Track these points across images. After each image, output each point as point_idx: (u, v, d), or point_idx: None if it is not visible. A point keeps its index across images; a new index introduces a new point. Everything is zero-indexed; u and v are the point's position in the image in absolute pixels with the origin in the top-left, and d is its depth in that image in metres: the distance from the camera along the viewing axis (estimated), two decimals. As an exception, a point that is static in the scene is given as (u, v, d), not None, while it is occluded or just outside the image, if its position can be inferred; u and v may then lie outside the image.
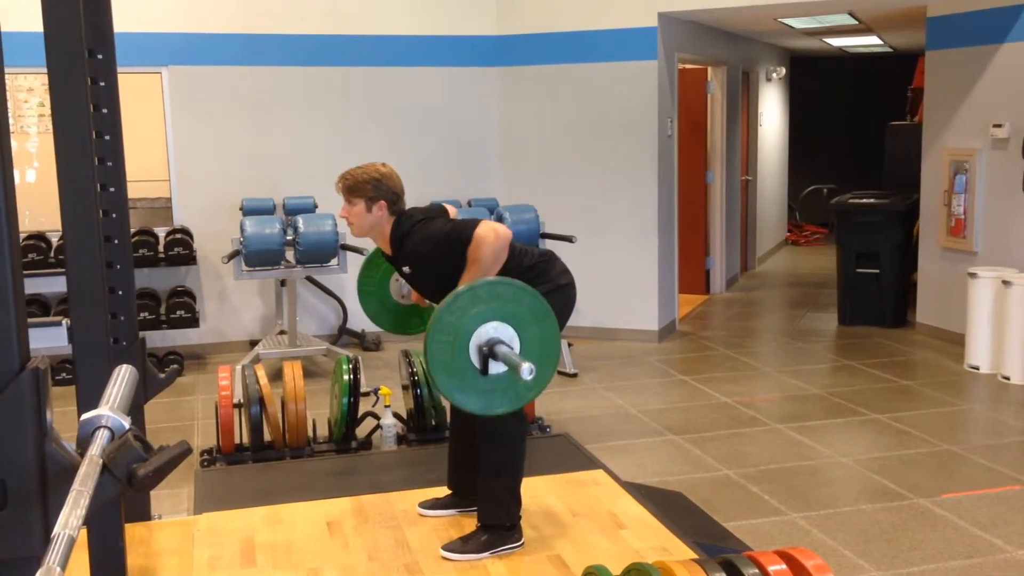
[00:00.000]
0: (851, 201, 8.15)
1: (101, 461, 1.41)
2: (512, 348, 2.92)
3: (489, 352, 2.90)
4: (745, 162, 10.64)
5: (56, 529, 1.19)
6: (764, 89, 11.37)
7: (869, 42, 11.46)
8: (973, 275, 6.63)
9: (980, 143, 6.98)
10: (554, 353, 3.03)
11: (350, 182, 3.40)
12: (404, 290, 3.93)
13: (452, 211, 3.67)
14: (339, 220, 6.43)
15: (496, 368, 2.91)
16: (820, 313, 8.68)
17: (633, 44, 7.45)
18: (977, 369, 6.59)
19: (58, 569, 1.10)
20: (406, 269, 3.47)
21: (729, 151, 9.68)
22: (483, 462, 3.38)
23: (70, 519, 1.21)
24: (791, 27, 9.39)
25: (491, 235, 3.22)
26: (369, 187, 3.38)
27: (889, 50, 12.45)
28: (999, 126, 6.76)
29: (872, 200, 8.08)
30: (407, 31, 7.70)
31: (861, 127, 13.71)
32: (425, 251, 3.35)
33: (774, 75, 11.70)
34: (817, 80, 13.92)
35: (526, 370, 2.75)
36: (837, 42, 11.40)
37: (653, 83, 7.43)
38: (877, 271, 7.92)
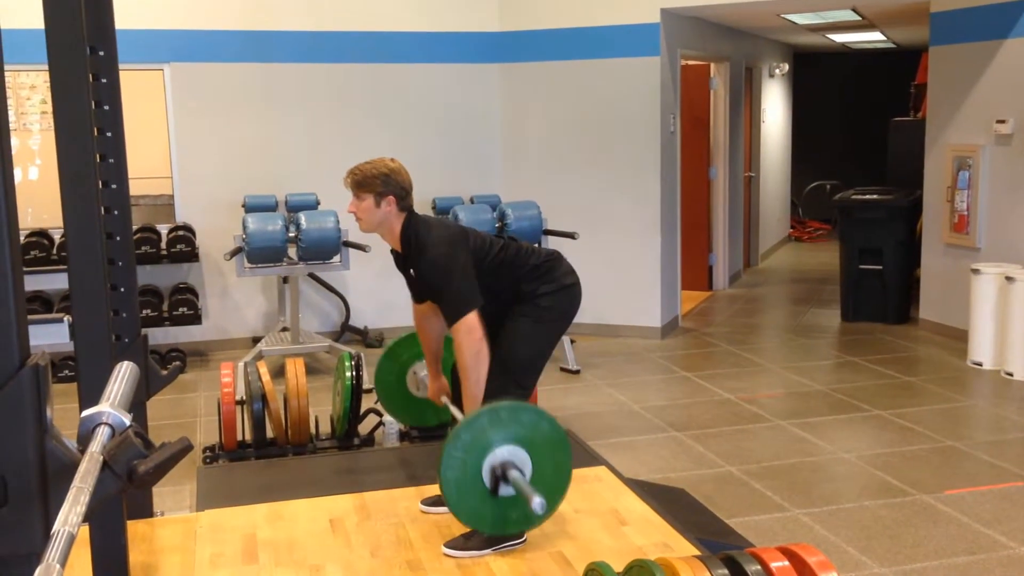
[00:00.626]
0: (854, 197, 8.13)
1: (101, 458, 1.40)
2: (524, 473, 2.97)
3: (502, 475, 2.95)
4: (748, 158, 10.62)
5: (56, 526, 1.18)
6: (767, 85, 11.35)
7: (872, 38, 11.44)
8: (976, 271, 6.62)
9: (984, 139, 6.96)
10: (565, 481, 3.09)
11: (359, 177, 3.40)
12: (420, 379, 3.96)
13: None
14: (342, 217, 6.47)
15: (506, 491, 2.97)
16: (823, 309, 8.67)
17: (636, 40, 7.44)
18: (980, 365, 6.58)
19: (58, 566, 1.10)
20: (412, 272, 3.47)
21: (732, 147, 9.66)
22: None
23: (70, 516, 1.21)
24: (794, 23, 9.37)
25: (464, 340, 3.27)
26: (378, 182, 3.38)
27: (892, 46, 12.43)
28: (1003, 122, 6.74)
29: (875, 196, 8.06)
30: (409, 27, 7.69)
31: (864, 123, 13.69)
32: (436, 274, 3.36)
33: (777, 71, 11.68)
34: (820, 76, 13.89)
35: (537, 504, 2.80)
36: (840, 38, 11.38)
37: (656, 79, 7.42)
38: (880, 267, 7.91)
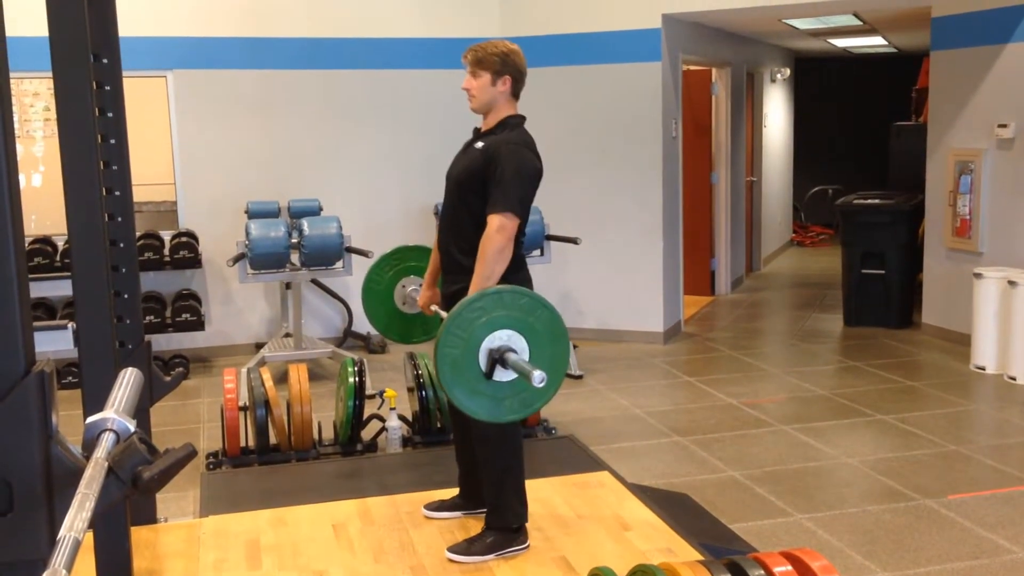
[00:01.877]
0: (856, 202, 8.14)
1: (106, 464, 1.41)
2: (522, 358, 2.92)
3: (499, 359, 2.90)
4: (750, 163, 10.63)
5: (62, 531, 1.19)
6: (768, 90, 11.36)
7: (874, 43, 11.45)
8: (979, 275, 6.62)
9: (985, 143, 6.96)
10: (560, 371, 3.03)
11: (480, 53, 3.40)
12: (409, 293, 3.92)
13: None
14: (344, 223, 6.49)
15: (502, 376, 2.91)
16: (825, 314, 8.67)
17: (637, 46, 7.45)
18: (983, 370, 6.58)
19: (64, 571, 1.11)
20: (477, 146, 3.41)
21: (734, 152, 9.67)
22: (486, 468, 3.39)
23: (75, 521, 1.21)
24: (795, 28, 9.38)
25: (494, 235, 3.21)
26: (497, 60, 3.38)
27: (894, 51, 12.44)
28: (1004, 126, 6.75)
29: (877, 201, 8.06)
30: (410, 34, 7.71)
31: (866, 128, 13.70)
32: (507, 166, 3.27)
33: (778, 76, 11.69)
34: (822, 81, 13.91)
35: (537, 377, 2.74)
36: (841, 43, 11.39)
37: (657, 84, 7.43)
38: (882, 272, 7.91)
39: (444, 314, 3.50)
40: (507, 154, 3.31)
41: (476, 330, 2.89)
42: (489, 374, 2.90)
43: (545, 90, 7.81)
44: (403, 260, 4.00)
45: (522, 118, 3.47)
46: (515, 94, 3.46)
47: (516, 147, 3.34)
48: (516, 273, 3.39)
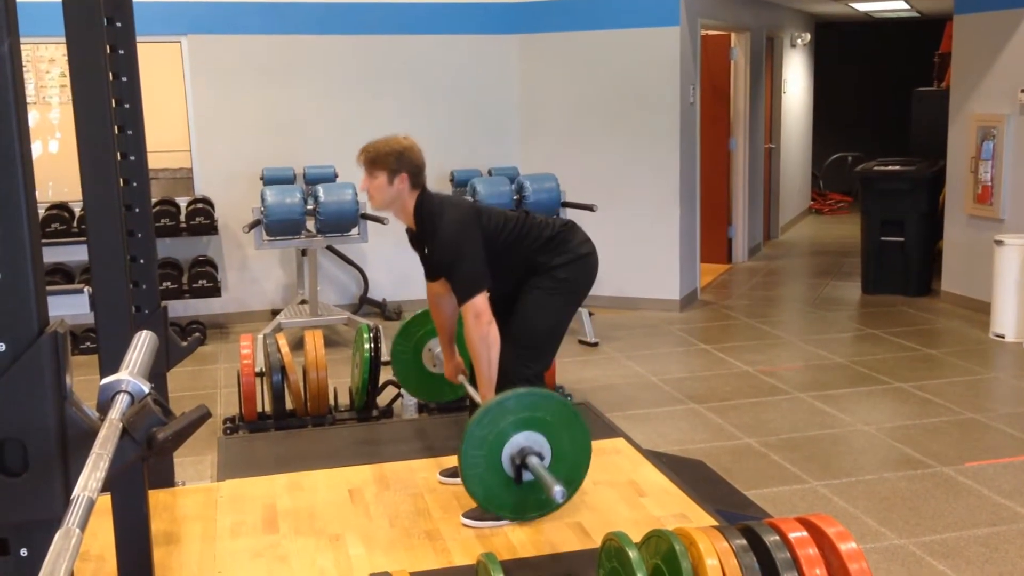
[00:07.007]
0: (876, 168, 8.05)
1: (121, 425, 1.41)
2: (544, 456, 3.04)
3: (522, 463, 3.02)
4: (768, 130, 10.53)
5: (76, 491, 1.19)
6: (788, 55, 11.23)
7: (896, 6, 11.28)
8: (999, 242, 6.55)
9: (1008, 108, 6.87)
10: (585, 456, 3.16)
11: (372, 154, 3.40)
12: (436, 356, 3.98)
13: None
14: (360, 191, 6.47)
15: (529, 476, 3.05)
16: (844, 282, 8.62)
17: (655, 10, 7.37)
18: (1002, 337, 6.53)
19: (77, 530, 1.11)
20: (426, 251, 3.47)
21: (752, 119, 9.58)
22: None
23: (90, 481, 1.22)
24: (816, -8, 9.26)
25: (471, 324, 3.29)
26: (391, 159, 3.38)
27: (916, 14, 12.26)
28: (1028, 91, 6.66)
29: (897, 167, 7.98)
30: (427, -2, 7.65)
31: (887, 93, 13.54)
32: (447, 254, 3.36)
33: (798, 41, 11.55)
34: (842, 46, 13.73)
35: (558, 493, 2.87)
36: (863, 7, 11.23)
37: (675, 50, 7.35)
38: (902, 239, 7.84)
39: (471, 389, 3.63)
40: (442, 245, 3.37)
41: (492, 443, 3.01)
42: (518, 477, 3.05)
43: (561, 56, 7.75)
44: (424, 325, 4.05)
45: (428, 197, 3.44)
46: (416, 187, 3.42)
47: (443, 233, 3.36)
48: (563, 246, 3.43)
